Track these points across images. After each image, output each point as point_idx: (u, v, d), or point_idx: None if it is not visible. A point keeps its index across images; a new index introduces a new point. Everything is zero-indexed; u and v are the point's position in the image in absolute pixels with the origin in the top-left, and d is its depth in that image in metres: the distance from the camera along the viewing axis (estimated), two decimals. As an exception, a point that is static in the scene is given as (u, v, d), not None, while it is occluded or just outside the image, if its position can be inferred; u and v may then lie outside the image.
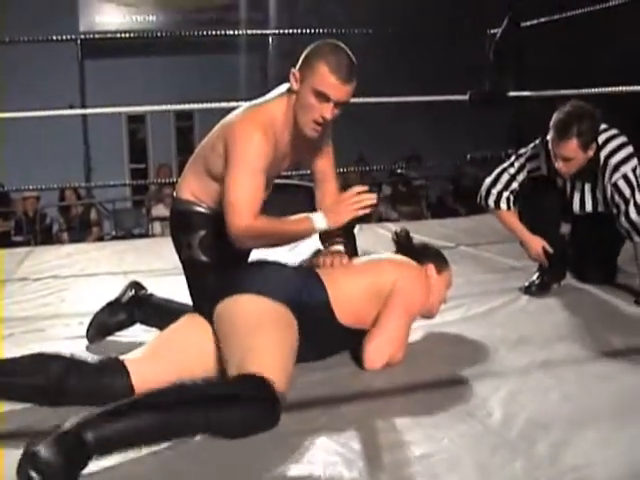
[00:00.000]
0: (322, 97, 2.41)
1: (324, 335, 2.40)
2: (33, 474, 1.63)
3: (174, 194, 2.77)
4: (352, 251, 2.81)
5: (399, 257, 2.64)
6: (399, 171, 9.17)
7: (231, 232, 2.38)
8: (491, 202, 3.37)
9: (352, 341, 2.47)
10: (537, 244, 3.34)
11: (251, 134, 2.40)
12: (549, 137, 3.07)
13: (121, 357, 2.21)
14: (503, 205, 3.35)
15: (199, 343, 2.28)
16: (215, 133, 2.59)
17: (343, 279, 2.46)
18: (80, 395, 2.10)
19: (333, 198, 2.69)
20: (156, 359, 2.23)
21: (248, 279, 2.30)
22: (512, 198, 3.35)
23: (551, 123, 3.03)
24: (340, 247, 2.66)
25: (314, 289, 2.37)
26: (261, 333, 2.13)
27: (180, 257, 2.76)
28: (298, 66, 2.47)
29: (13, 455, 1.67)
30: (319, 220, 2.40)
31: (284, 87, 2.58)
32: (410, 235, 2.75)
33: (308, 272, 2.47)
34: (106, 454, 1.76)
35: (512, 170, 3.34)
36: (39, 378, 2.08)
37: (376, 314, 2.47)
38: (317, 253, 2.65)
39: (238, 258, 2.68)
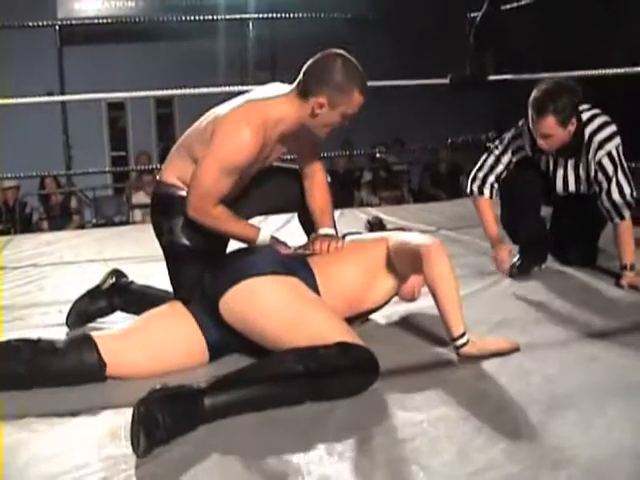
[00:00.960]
0: (349, 115, 2.50)
1: None
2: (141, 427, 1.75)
3: (157, 177, 2.75)
4: None
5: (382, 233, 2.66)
6: (378, 155, 9.14)
7: (188, 210, 2.51)
8: (475, 187, 3.35)
9: None
10: (504, 251, 3.32)
11: (240, 130, 2.39)
12: (529, 115, 3.07)
13: (91, 333, 2.24)
14: (486, 191, 3.34)
15: (176, 327, 2.31)
16: (206, 121, 2.56)
17: (333, 268, 2.47)
18: (52, 375, 2.15)
19: (322, 189, 2.78)
20: (130, 337, 2.28)
21: (250, 263, 2.31)
22: (496, 186, 3.34)
23: (529, 100, 3.04)
24: (331, 230, 2.69)
25: (304, 273, 2.38)
26: (306, 307, 2.24)
27: (161, 241, 2.73)
28: (317, 90, 2.45)
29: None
30: (264, 238, 2.56)
31: (283, 87, 2.60)
32: (383, 222, 2.78)
33: (297, 259, 2.48)
34: (216, 419, 1.89)
35: (497, 152, 3.34)
36: (13, 365, 2.11)
37: (372, 293, 2.50)
38: (310, 240, 2.66)
39: (219, 243, 2.66)
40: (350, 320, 2.45)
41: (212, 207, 2.49)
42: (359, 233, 2.77)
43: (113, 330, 2.34)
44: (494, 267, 3.37)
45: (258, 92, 2.63)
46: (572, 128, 3.04)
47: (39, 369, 2.12)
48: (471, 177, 3.40)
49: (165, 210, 2.66)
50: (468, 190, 3.41)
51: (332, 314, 2.26)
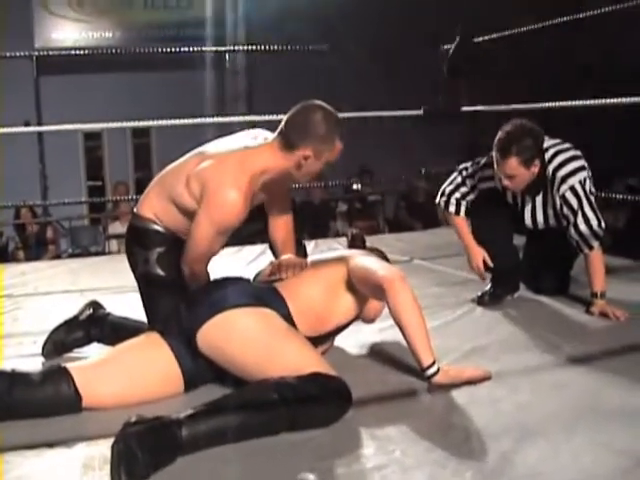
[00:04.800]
0: (331, 162, 2.58)
1: None
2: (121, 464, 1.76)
3: (134, 210, 2.78)
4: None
5: (348, 251, 2.71)
6: (355, 187, 9.18)
7: (182, 263, 2.62)
8: (442, 202, 3.48)
9: None
10: (477, 255, 3.41)
11: (228, 195, 2.43)
12: (493, 156, 3.13)
13: (66, 364, 2.24)
14: (451, 207, 3.45)
15: (152, 357, 2.31)
16: (191, 168, 2.58)
17: (300, 290, 2.51)
18: (27, 407, 2.15)
19: (287, 226, 2.86)
20: (105, 367, 2.28)
21: (225, 295, 2.33)
22: (463, 203, 3.44)
23: (494, 143, 3.10)
24: (291, 256, 2.75)
25: (276, 303, 2.40)
26: (281, 338, 2.26)
27: (135, 273, 2.76)
28: (302, 144, 2.51)
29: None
30: None
31: (262, 133, 2.68)
32: (364, 239, 2.82)
33: (267, 288, 2.50)
34: (194, 451, 1.89)
35: (464, 173, 3.44)
36: None
37: (338, 309, 2.52)
38: (273, 265, 2.71)
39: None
40: (318, 340, 2.49)
41: (204, 265, 2.62)
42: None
43: (88, 360, 2.34)
44: (472, 270, 3.47)
45: (239, 139, 2.67)
46: (535, 169, 3.11)
47: (14, 401, 2.11)
48: (440, 191, 3.51)
49: (141, 242, 2.71)
50: (436, 202, 3.54)
51: (306, 345, 2.29)
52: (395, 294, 2.31)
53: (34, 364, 2.66)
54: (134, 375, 2.26)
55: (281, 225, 2.86)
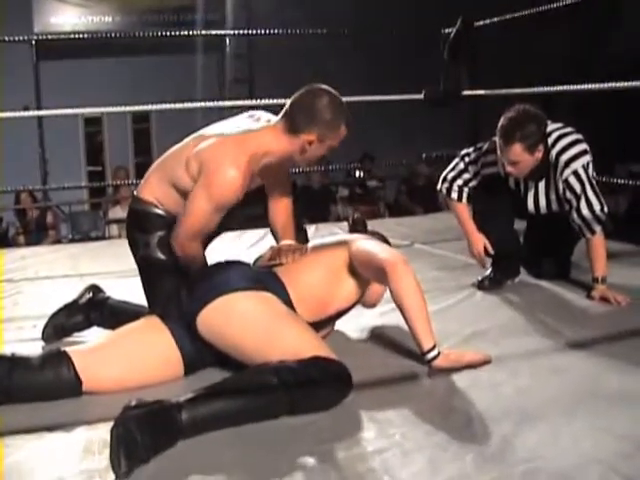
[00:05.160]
0: (334, 147, 2.59)
1: None
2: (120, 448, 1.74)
3: (134, 193, 2.78)
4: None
5: (349, 235, 2.70)
6: (357, 174, 9.18)
7: (174, 241, 2.59)
8: (444, 188, 3.46)
9: None
10: (478, 241, 3.40)
11: (227, 171, 2.43)
12: (497, 142, 3.12)
13: (66, 348, 2.24)
14: (454, 194, 3.43)
15: (152, 341, 2.32)
16: (191, 151, 2.57)
17: (300, 275, 2.50)
18: (27, 391, 2.15)
19: (286, 211, 2.84)
20: (105, 351, 2.28)
21: (225, 279, 2.33)
22: (466, 190, 3.42)
23: (497, 128, 3.09)
24: (291, 241, 2.74)
25: (276, 288, 2.40)
26: (281, 322, 2.26)
27: (135, 256, 2.76)
28: (308, 128, 2.51)
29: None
30: None
31: (264, 115, 2.66)
32: (366, 223, 2.82)
33: (267, 272, 2.50)
34: (194, 435, 1.89)
35: (467, 159, 3.41)
36: None
37: (339, 294, 2.52)
38: (273, 250, 2.70)
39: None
40: (319, 325, 2.49)
41: (197, 244, 2.59)
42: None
43: (88, 344, 2.35)
44: (473, 257, 3.46)
45: (240, 122, 2.66)
46: (539, 154, 3.09)
47: (14, 385, 2.12)
48: (442, 177, 3.49)
49: (141, 225, 2.70)
50: (438, 188, 3.51)
51: (306, 329, 2.28)
52: (398, 278, 2.30)
53: (34, 348, 2.66)
54: (134, 359, 2.27)
55: (281, 209, 2.85)
